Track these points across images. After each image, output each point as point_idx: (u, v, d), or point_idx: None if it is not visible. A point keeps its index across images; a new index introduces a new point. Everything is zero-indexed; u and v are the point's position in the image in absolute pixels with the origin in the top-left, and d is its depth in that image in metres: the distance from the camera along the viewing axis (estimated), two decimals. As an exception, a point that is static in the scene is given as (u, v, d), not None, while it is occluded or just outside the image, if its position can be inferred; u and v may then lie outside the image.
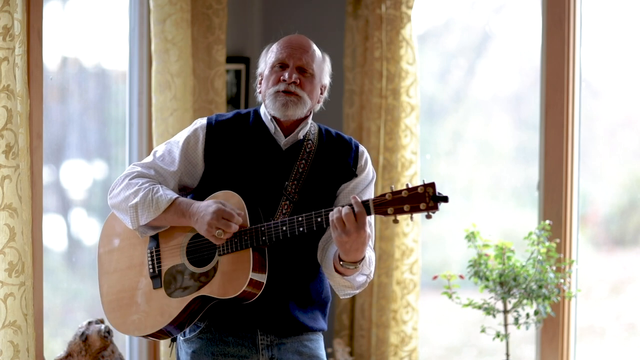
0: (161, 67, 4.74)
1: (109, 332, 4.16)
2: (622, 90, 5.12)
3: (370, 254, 3.24)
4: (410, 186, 3.01)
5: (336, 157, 3.33)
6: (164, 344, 4.74)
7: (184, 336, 3.33)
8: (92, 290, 4.85)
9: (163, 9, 4.72)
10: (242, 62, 5.38)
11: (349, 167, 3.32)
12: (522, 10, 5.28)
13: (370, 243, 3.26)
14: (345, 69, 5.28)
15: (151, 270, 3.29)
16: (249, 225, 3.16)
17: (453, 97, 5.54)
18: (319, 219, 3.09)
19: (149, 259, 3.30)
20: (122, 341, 4.83)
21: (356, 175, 3.33)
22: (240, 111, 3.40)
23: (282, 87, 3.25)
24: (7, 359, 3.64)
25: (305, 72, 3.28)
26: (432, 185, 3.00)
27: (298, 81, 3.25)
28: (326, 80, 3.36)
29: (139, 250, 3.33)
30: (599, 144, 5.10)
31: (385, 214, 3.01)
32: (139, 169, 3.33)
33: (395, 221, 3.03)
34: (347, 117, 5.26)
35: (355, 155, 3.35)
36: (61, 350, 4.19)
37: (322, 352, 3.36)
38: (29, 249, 3.83)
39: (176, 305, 3.23)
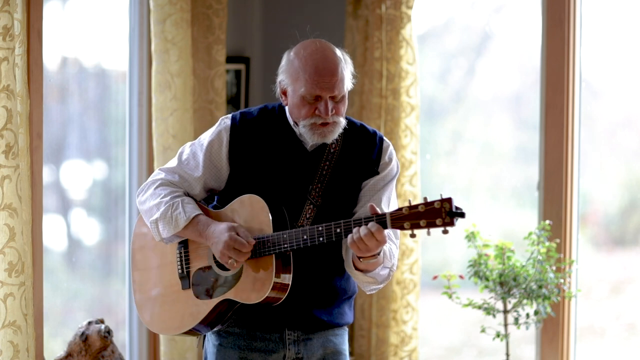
0: (161, 67, 4.74)
1: (109, 332, 4.16)
2: (622, 90, 5.12)
3: (390, 246, 3.22)
4: (427, 200, 2.99)
5: (359, 154, 3.29)
6: (164, 344, 4.74)
7: None
8: (92, 290, 4.85)
9: (163, 9, 4.72)
10: (242, 62, 5.38)
11: (371, 163, 3.29)
12: (522, 10, 5.28)
13: (393, 236, 3.25)
14: (345, 69, 5.27)
15: (180, 271, 3.30)
16: (272, 232, 3.16)
17: (453, 97, 5.53)
18: (337, 230, 3.08)
19: (178, 259, 3.31)
20: (122, 341, 4.83)
21: (377, 173, 3.29)
22: (267, 106, 3.34)
23: (319, 120, 3.18)
24: (7, 359, 3.64)
25: (337, 97, 3.20)
26: (449, 200, 2.96)
27: (334, 111, 3.19)
28: (351, 84, 3.26)
29: (170, 250, 3.34)
30: (599, 144, 5.10)
31: (402, 228, 3.00)
32: (164, 175, 3.32)
33: (412, 235, 3.02)
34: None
35: (378, 151, 3.31)
36: (61, 350, 4.19)
37: (345, 347, 3.37)
38: (29, 249, 3.83)
39: (204, 306, 3.24)
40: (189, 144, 3.36)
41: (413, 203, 3.01)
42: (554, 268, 4.60)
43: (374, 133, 3.34)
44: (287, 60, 3.24)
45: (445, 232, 2.98)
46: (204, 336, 3.40)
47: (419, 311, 5.16)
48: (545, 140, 4.95)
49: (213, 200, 3.39)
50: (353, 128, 3.32)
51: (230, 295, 3.20)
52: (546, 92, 4.94)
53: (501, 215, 5.36)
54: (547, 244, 4.59)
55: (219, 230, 3.17)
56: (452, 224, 2.96)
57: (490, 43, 5.47)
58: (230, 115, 3.33)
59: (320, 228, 3.10)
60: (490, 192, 5.42)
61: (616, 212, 5.14)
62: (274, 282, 3.14)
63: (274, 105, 3.34)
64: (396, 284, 5.11)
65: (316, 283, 3.26)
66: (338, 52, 3.22)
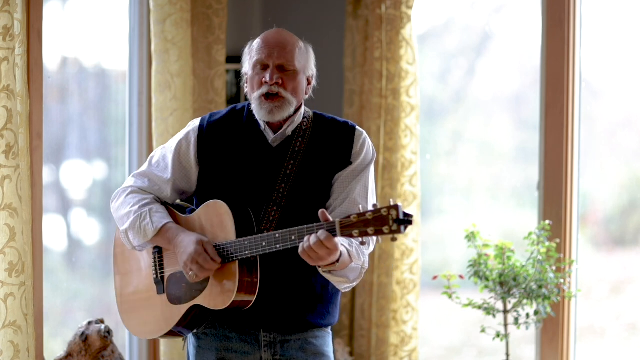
0: (161, 67, 4.74)
1: (109, 332, 4.16)
2: (622, 90, 5.12)
3: (356, 245, 3.14)
4: (377, 207, 2.91)
5: (328, 148, 3.25)
6: (164, 344, 4.75)
7: None
8: (92, 290, 4.85)
9: (163, 9, 4.72)
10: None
11: (343, 154, 3.24)
12: (522, 10, 5.29)
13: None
14: (345, 69, 5.28)
15: (154, 276, 3.31)
16: (234, 238, 3.13)
17: (453, 97, 5.54)
18: (292, 237, 3.03)
19: (153, 264, 3.32)
20: (122, 341, 4.83)
21: (351, 163, 3.24)
22: (236, 106, 3.35)
23: (265, 89, 3.18)
24: (7, 359, 3.64)
25: (286, 70, 3.20)
26: (396, 207, 2.88)
27: (280, 81, 3.18)
28: (311, 70, 3.27)
29: (147, 255, 3.35)
30: (599, 144, 5.11)
31: (351, 236, 2.93)
32: (134, 181, 3.33)
33: (362, 243, 2.97)
34: (347, 117, 5.26)
35: (350, 140, 3.26)
36: (61, 350, 4.19)
37: (329, 349, 3.32)
38: (29, 249, 3.83)
39: (176, 312, 3.24)
40: (160, 147, 3.38)
41: (362, 210, 2.94)
42: (554, 268, 4.60)
43: (345, 123, 3.30)
44: (247, 49, 3.31)
45: (393, 239, 2.92)
46: (187, 338, 3.39)
47: (419, 311, 5.16)
48: (545, 140, 4.95)
49: (192, 203, 3.38)
50: (322, 122, 3.31)
51: (199, 301, 3.19)
52: (546, 92, 4.94)
53: (501, 215, 5.36)
54: (547, 244, 4.59)
55: (188, 241, 3.16)
56: (399, 231, 2.88)
57: (490, 43, 5.47)
58: (200, 117, 3.34)
59: (277, 235, 3.05)
60: (490, 192, 5.42)
61: (616, 212, 5.15)
62: (238, 288, 3.11)
63: (243, 105, 3.34)
64: (396, 284, 5.11)
65: (292, 283, 3.22)
66: (295, 37, 3.25)
